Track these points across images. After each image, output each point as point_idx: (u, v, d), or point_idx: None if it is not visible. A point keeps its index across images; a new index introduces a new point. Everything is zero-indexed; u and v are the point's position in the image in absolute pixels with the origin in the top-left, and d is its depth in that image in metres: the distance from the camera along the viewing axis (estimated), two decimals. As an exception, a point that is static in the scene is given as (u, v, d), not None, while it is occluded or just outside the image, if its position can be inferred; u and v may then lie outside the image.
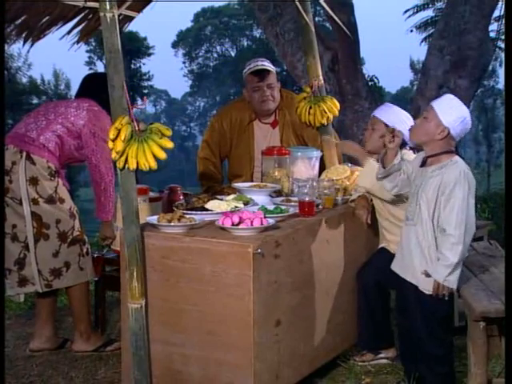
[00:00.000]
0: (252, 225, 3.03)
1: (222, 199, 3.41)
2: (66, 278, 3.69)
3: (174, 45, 46.30)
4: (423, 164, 3.12)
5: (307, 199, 3.36)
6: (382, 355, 3.64)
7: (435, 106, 3.09)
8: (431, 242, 3.06)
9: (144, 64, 37.38)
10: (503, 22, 10.04)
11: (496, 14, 8.74)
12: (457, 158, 3.09)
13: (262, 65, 4.18)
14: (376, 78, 9.23)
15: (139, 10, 4.18)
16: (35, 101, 35.81)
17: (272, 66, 4.23)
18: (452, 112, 3.05)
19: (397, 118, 3.53)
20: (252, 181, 4.17)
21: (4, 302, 3.78)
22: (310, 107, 4.10)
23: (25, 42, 4.03)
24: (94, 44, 35.28)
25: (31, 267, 3.62)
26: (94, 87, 3.80)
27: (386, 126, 3.46)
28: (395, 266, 3.25)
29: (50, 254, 3.62)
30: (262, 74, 4.15)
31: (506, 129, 2.92)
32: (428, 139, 3.09)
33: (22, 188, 3.56)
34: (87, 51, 38.41)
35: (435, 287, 3.03)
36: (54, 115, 3.70)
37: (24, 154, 3.57)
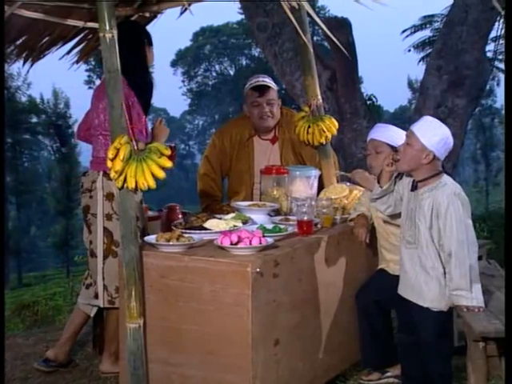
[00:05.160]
0: (251, 244, 3.03)
1: (220, 218, 3.41)
2: None
3: (173, 63, 46.47)
4: (414, 188, 3.14)
5: (306, 218, 3.36)
6: (388, 374, 3.61)
7: (416, 130, 3.08)
8: (435, 262, 3.08)
9: (143, 83, 37.44)
10: (500, 42, 10.12)
11: (493, 34, 8.81)
12: (445, 178, 3.11)
13: (263, 81, 4.22)
14: (374, 96, 9.24)
15: (138, 30, 4.20)
16: (34, 119, 35.89)
17: (273, 83, 4.25)
18: (434, 135, 3.05)
19: (397, 135, 3.55)
20: (252, 197, 4.18)
21: (4, 302, 3.76)
22: (309, 126, 4.12)
23: (25, 62, 4.05)
24: (93, 63, 35.40)
25: (97, 282, 3.62)
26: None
27: (390, 146, 3.48)
28: (401, 290, 3.25)
29: (118, 272, 3.59)
30: (261, 89, 4.18)
31: (505, 135, 2.89)
32: (416, 165, 3.09)
33: (98, 203, 3.60)
34: (86, 70, 38.54)
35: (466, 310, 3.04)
36: (101, 128, 3.66)
37: (101, 172, 3.60)
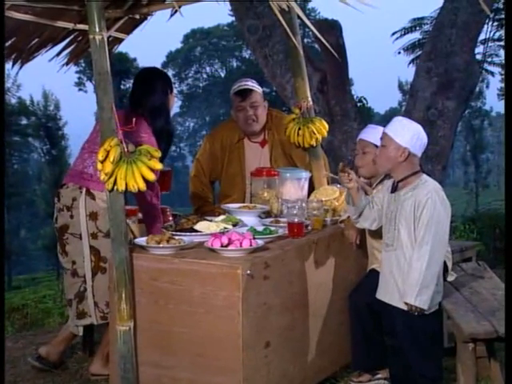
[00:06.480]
0: (241, 246, 3.03)
1: (211, 220, 3.41)
2: None
3: (164, 66, 46.38)
4: (395, 190, 3.16)
5: (296, 220, 3.36)
6: (379, 376, 3.61)
7: (388, 131, 3.15)
8: None
9: (134, 85, 37.37)
10: (489, 44, 10.17)
11: (482, 37, 8.83)
12: (425, 177, 3.15)
13: (245, 84, 4.22)
14: (365, 98, 9.25)
15: (128, 32, 4.21)
16: (24, 121, 35.75)
17: (256, 86, 4.25)
18: (405, 132, 3.12)
19: None
20: (244, 201, 4.18)
21: (4, 303, 3.72)
22: (299, 128, 4.13)
23: (14, 64, 4.03)
24: (83, 65, 35.32)
25: (88, 300, 3.58)
26: (137, 95, 3.70)
27: (377, 147, 3.48)
28: (380, 294, 3.26)
29: (107, 287, 3.49)
30: (244, 93, 4.19)
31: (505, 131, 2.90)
32: (392, 165, 3.15)
33: (81, 223, 3.52)
34: (77, 72, 38.41)
35: (408, 308, 3.07)
36: None
37: (84, 189, 3.53)
